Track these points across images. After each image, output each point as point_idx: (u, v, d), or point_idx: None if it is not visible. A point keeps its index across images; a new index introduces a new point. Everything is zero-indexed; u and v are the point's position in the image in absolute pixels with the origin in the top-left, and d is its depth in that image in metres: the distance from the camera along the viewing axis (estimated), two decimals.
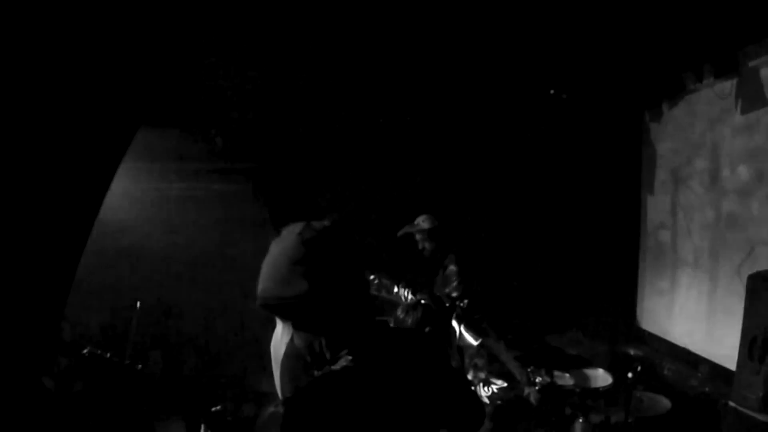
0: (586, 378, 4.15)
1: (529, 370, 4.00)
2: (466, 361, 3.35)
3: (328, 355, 1.51)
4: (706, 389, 4.25)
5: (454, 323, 3.26)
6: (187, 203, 5.19)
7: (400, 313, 3.17)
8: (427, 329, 3.06)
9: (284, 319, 1.55)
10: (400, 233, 4.17)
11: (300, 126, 5.13)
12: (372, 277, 3.78)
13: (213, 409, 2.05)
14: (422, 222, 4.16)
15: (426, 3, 3.50)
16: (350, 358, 1.48)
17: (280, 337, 1.57)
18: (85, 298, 4.82)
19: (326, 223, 1.52)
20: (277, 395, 1.63)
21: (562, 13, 3.63)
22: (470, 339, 3.29)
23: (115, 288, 5.02)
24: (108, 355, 2.03)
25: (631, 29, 3.83)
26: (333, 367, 1.48)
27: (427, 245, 4.15)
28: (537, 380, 3.93)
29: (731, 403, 3.29)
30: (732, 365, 3.49)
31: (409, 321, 3.12)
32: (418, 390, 1.57)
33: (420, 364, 1.62)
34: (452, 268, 4.12)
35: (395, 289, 3.65)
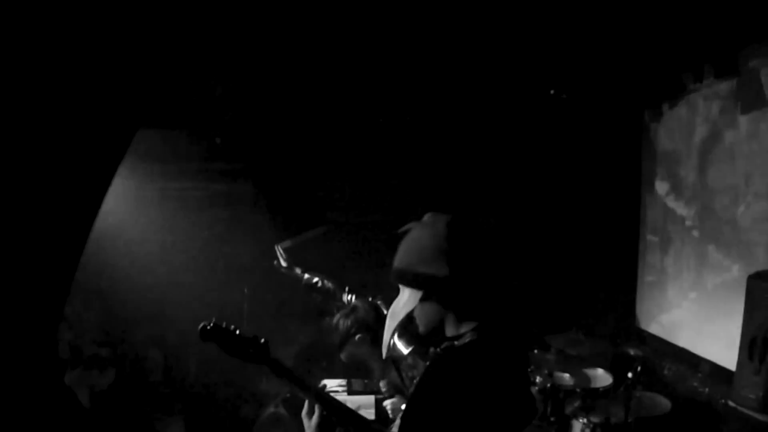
0: (586, 378, 4.15)
1: (528, 370, 4.01)
2: (403, 374, 3.09)
3: (450, 332, 1.64)
4: (706, 389, 4.25)
5: (386, 332, 3.04)
6: (187, 203, 5.19)
7: (334, 319, 3.12)
8: (357, 337, 3.04)
9: (415, 291, 1.66)
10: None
11: (300, 126, 5.13)
12: (316, 280, 3.64)
13: (271, 409, 2.15)
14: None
15: (426, 3, 3.50)
16: (475, 333, 1.60)
17: (402, 305, 1.69)
18: (84, 298, 4.83)
19: (477, 219, 1.69)
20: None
21: (561, 13, 3.63)
22: (402, 348, 2.93)
23: (115, 288, 5.03)
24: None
25: (631, 29, 3.83)
26: (456, 343, 1.60)
27: None
28: (537, 380, 3.94)
29: (731, 403, 3.29)
30: (732, 365, 3.50)
31: (341, 327, 3.08)
32: (522, 378, 1.72)
33: (522, 355, 1.83)
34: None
35: (344, 297, 3.47)
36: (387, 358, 3.01)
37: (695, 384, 4.39)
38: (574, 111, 5.18)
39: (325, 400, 2.11)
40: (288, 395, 4.89)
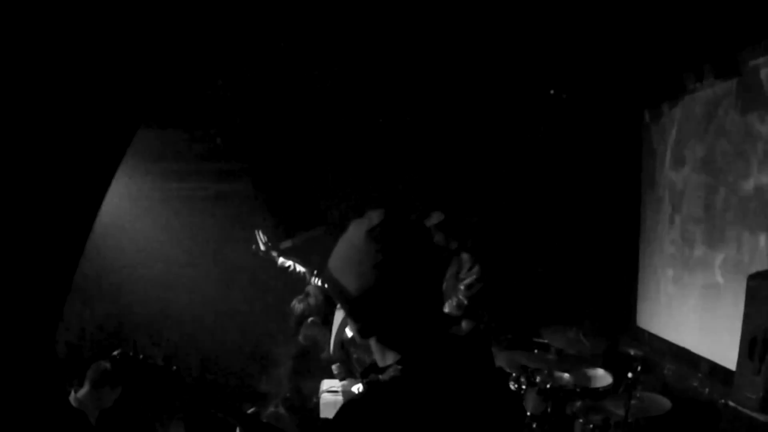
0: (586, 378, 4.15)
1: (529, 370, 4.01)
2: (353, 356, 3.36)
3: (378, 360, 1.41)
4: (706, 389, 4.25)
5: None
6: (186, 203, 5.19)
7: (291, 304, 3.33)
8: (309, 320, 3.25)
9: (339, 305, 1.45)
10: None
11: (300, 126, 5.13)
12: (288, 264, 3.84)
13: (248, 411, 2.01)
14: (432, 217, 4.28)
15: (426, 3, 3.51)
16: (399, 368, 1.33)
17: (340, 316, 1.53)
18: (84, 299, 4.83)
19: (400, 220, 1.39)
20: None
21: (562, 13, 3.64)
22: (348, 330, 3.17)
23: (114, 288, 5.03)
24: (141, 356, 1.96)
25: (631, 29, 3.84)
26: (381, 377, 1.35)
27: (435, 238, 4.22)
28: (537, 380, 3.94)
29: (731, 403, 3.29)
30: (732, 365, 3.49)
31: (296, 311, 3.31)
32: (468, 406, 1.39)
33: (472, 376, 1.44)
34: (465, 256, 4.29)
35: (312, 280, 3.66)
36: (336, 341, 3.23)
37: (695, 384, 4.39)
38: (574, 111, 5.18)
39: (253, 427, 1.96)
40: (288, 395, 4.89)
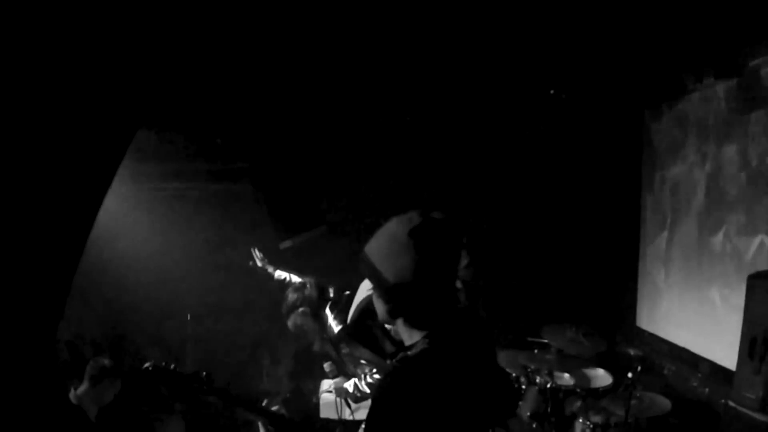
0: (586, 378, 4.15)
1: (529, 370, 4.01)
2: (342, 351, 3.43)
3: (405, 340, 1.60)
4: (706, 389, 4.25)
5: (327, 312, 3.40)
6: (186, 203, 5.19)
7: (286, 291, 3.48)
8: (300, 309, 3.39)
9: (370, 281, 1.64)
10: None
11: (300, 126, 5.13)
12: (284, 276, 4.04)
13: (273, 408, 2.14)
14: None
15: (426, 3, 3.50)
16: (427, 341, 1.56)
17: (366, 289, 1.71)
18: (84, 299, 4.83)
19: (440, 223, 1.59)
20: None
21: (562, 13, 3.63)
22: (334, 327, 3.35)
23: (114, 288, 5.03)
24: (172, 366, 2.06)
25: (632, 29, 3.83)
26: (410, 353, 1.56)
27: None
28: (537, 380, 3.94)
29: (731, 403, 3.29)
30: (732, 365, 3.49)
31: (289, 299, 3.44)
32: (484, 376, 1.67)
33: (483, 350, 1.72)
34: (462, 252, 4.18)
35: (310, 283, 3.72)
36: (325, 338, 3.42)
37: (695, 384, 4.38)
38: (574, 111, 5.18)
39: (279, 422, 2.14)
40: (288, 395, 4.90)
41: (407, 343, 1.61)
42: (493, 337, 1.86)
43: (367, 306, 3.18)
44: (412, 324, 1.60)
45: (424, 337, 1.57)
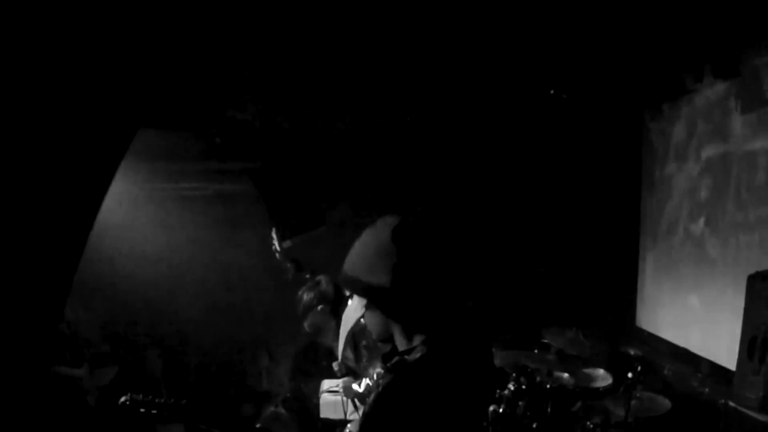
0: (586, 378, 4.15)
1: (529, 369, 4.01)
2: (361, 344, 3.33)
3: (400, 345, 1.57)
4: (706, 389, 4.25)
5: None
6: (186, 203, 5.19)
7: (300, 291, 3.42)
8: (319, 308, 3.33)
9: (359, 298, 1.62)
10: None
11: (300, 126, 5.13)
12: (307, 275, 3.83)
13: (273, 408, 2.12)
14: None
15: (426, 3, 3.51)
16: (425, 347, 1.53)
17: (353, 310, 1.69)
18: (84, 298, 4.83)
19: (420, 220, 1.57)
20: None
21: (562, 13, 3.64)
22: (354, 319, 3.23)
23: (114, 288, 5.03)
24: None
25: (632, 29, 3.84)
26: (407, 358, 1.53)
27: None
28: (537, 380, 3.93)
29: (731, 403, 3.29)
30: (732, 365, 3.49)
31: (305, 298, 3.39)
32: (481, 376, 1.66)
33: (480, 350, 1.70)
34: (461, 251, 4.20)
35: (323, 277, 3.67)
36: (348, 337, 3.26)
37: (695, 384, 4.38)
38: (574, 111, 5.18)
39: None
40: (288, 395, 4.89)
41: (401, 348, 1.58)
42: (491, 338, 1.88)
43: (352, 337, 3.20)
44: (410, 329, 1.57)
45: (423, 342, 1.54)
